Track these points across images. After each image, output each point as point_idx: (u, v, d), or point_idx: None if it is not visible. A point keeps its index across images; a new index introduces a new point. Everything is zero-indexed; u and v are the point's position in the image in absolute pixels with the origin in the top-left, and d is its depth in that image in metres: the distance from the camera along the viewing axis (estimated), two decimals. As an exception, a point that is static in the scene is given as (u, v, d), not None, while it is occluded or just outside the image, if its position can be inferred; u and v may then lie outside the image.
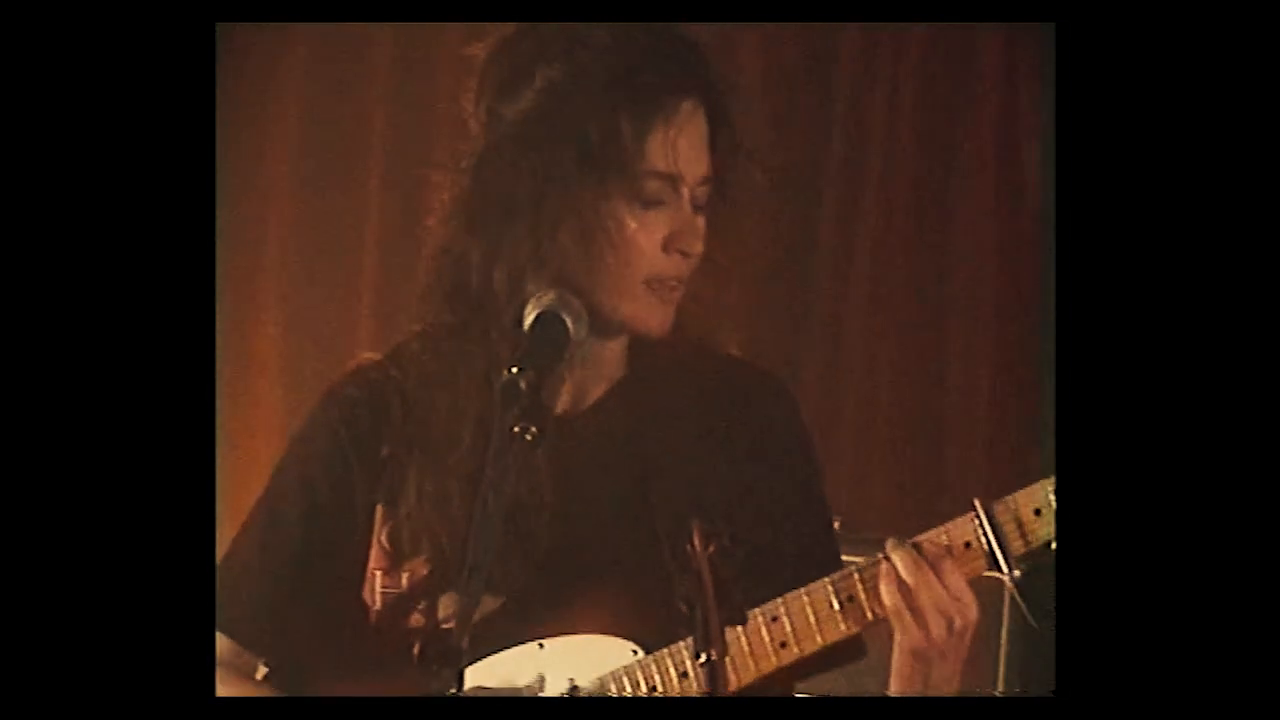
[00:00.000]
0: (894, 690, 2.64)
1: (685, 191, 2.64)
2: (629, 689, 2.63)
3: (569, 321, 2.55)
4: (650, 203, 2.64)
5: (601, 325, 2.66)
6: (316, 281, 5.24)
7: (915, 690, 2.62)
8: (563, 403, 2.71)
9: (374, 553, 2.72)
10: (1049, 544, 2.59)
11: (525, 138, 2.67)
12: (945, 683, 2.62)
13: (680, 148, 2.63)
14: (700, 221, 2.66)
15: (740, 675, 2.56)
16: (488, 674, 2.61)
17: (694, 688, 2.51)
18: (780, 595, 2.60)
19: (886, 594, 2.60)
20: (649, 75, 2.65)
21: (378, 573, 2.72)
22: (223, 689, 2.69)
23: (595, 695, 2.67)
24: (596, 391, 2.74)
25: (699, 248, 2.65)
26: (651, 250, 2.65)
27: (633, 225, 2.64)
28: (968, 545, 2.56)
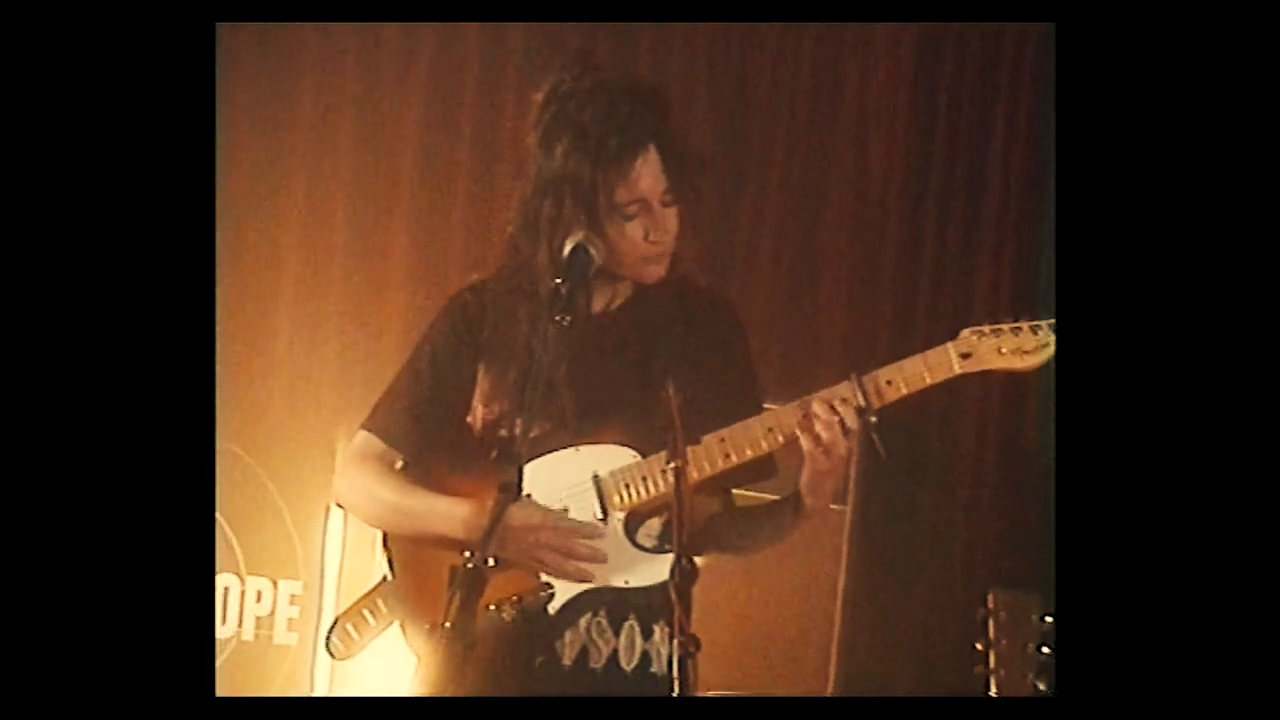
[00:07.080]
0: (804, 492, 3.34)
1: (655, 202, 3.40)
2: (633, 480, 3.37)
3: (592, 251, 3.34)
4: (630, 216, 3.40)
5: (624, 277, 3.45)
6: (316, 279, 5.39)
7: (817, 492, 3.34)
8: (596, 306, 3.48)
9: (476, 394, 3.51)
10: (886, 404, 3.33)
11: (555, 179, 3.41)
12: (835, 487, 3.35)
13: (642, 182, 3.39)
14: (669, 216, 3.40)
15: (699, 473, 3.29)
16: (543, 467, 3.36)
17: (670, 479, 3.05)
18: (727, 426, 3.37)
19: (800, 436, 3.30)
20: (616, 138, 3.35)
21: (478, 406, 3.51)
22: (371, 475, 3.47)
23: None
24: (617, 302, 3.53)
25: (667, 237, 3.41)
26: (635, 240, 3.41)
27: (617, 234, 3.40)
28: (845, 400, 3.31)
